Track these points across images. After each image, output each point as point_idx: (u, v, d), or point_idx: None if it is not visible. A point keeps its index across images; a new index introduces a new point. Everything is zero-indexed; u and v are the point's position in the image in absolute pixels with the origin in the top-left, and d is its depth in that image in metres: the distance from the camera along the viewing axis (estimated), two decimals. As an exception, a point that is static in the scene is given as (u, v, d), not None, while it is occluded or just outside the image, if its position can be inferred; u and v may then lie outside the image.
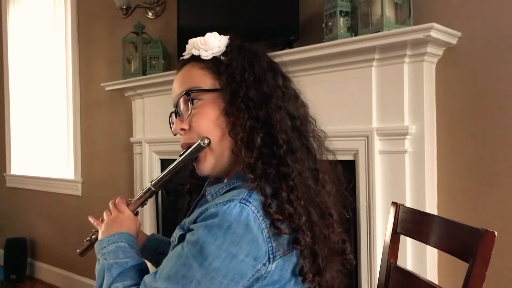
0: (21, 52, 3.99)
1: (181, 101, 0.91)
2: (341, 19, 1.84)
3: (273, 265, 0.79)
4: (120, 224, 0.99)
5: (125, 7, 2.89)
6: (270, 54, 0.97)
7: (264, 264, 0.78)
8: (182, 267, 0.78)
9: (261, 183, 0.80)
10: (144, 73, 2.69)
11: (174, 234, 0.89)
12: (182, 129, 0.92)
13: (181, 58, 0.96)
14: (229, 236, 0.76)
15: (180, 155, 0.93)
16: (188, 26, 2.50)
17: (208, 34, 0.91)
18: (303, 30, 2.07)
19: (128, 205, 1.03)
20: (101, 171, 3.28)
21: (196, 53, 0.91)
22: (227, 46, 0.92)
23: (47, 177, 3.74)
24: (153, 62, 2.62)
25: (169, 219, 2.60)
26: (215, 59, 0.91)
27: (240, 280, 0.77)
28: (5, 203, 4.23)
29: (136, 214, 1.04)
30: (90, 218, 1.12)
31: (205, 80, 0.90)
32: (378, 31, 1.69)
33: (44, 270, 3.77)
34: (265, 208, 0.78)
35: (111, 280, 0.88)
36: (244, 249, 0.76)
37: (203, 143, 0.87)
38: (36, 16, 3.79)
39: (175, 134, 0.95)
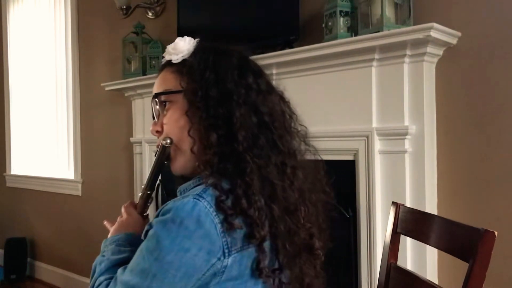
0: (21, 52, 4.00)
1: (153, 104, 0.96)
2: (341, 19, 1.84)
3: (229, 260, 0.79)
4: (127, 225, 1.02)
5: (125, 7, 2.89)
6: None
7: (219, 259, 0.79)
8: (141, 260, 0.81)
9: (215, 179, 0.82)
10: (144, 73, 2.69)
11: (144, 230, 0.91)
12: (157, 131, 0.96)
13: (161, 64, 1.00)
14: (182, 230, 0.78)
15: (155, 155, 0.97)
16: (188, 26, 2.50)
17: (178, 39, 0.95)
18: (303, 30, 2.07)
19: (135, 208, 1.06)
20: (101, 171, 3.28)
21: (168, 58, 0.95)
22: (195, 48, 0.94)
23: (47, 177, 3.74)
24: (153, 62, 2.63)
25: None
26: (183, 61, 0.93)
27: (194, 273, 0.79)
28: (5, 203, 4.23)
29: (146, 216, 1.07)
30: (105, 223, 1.14)
31: (173, 83, 0.93)
32: (378, 31, 1.69)
33: (44, 270, 3.77)
34: (218, 203, 0.80)
35: (98, 275, 0.92)
36: (197, 244, 0.78)
37: (165, 143, 0.92)
38: (36, 16, 3.80)
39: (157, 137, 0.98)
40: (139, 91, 2.71)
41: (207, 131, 0.86)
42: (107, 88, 2.90)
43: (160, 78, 0.97)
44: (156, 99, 0.94)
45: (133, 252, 0.95)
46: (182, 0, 2.54)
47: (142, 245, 0.83)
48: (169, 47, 0.95)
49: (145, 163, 2.72)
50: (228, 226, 0.79)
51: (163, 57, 0.98)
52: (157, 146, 0.96)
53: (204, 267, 0.79)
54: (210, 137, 0.85)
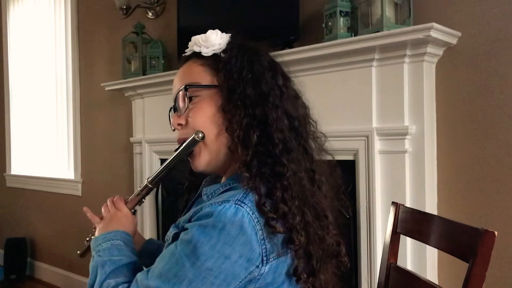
0: (21, 52, 3.99)
1: (180, 96, 0.92)
2: (341, 19, 1.84)
3: (267, 267, 0.79)
4: (118, 222, 1.00)
5: (125, 7, 2.89)
6: (272, 53, 0.97)
7: (257, 266, 0.78)
8: (174, 265, 0.78)
9: (256, 182, 0.80)
10: (144, 73, 2.69)
11: (168, 233, 0.89)
12: (179, 124, 0.93)
13: (183, 55, 0.97)
14: (223, 236, 0.76)
15: (175, 150, 0.93)
16: (188, 26, 2.50)
17: (209, 31, 0.92)
18: (303, 30, 2.07)
19: (126, 203, 1.04)
20: (101, 171, 3.28)
21: (197, 49, 0.92)
22: (228, 44, 0.92)
23: (47, 177, 3.74)
24: (153, 62, 2.62)
25: (169, 219, 2.60)
26: (215, 56, 0.91)
27: (232, 281, 0.77)
28: (5, 203, 4.23)
29: (134, 212, 1.04)
30: (86, 211, 1.12)
31: (204, 76, 0.91)
32: (378, 31, 1.69)
33: (44, 270, 3.77)
34: (259, 206, 0.78)
35: (104, 277, 0.89)
36: (237, 250, 0.76)
37: (197, 137, 0.88)
38: (36, 16, 3.79)
39: (174, 130, 0.95)
40: (139, 91, 2.71)
41: (246, 130, 0.84)
42: (107, 88, 2.90)
43: (186, 69, 0.94)
44: (185, 91, 0.90)
45: (131, 252, 0.94)
46: (182, 0, 2.54)
47: (173, 249, 0.80)
48: (199, 39, 0.92)
49: (145, 163, 2.72)
50: (270, 229, 0.77)
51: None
52: (179, 141, 0.93)
53: (242, 274, 0.77)
54: (250, 136, 0.83)
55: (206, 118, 0.89)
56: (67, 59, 3.50)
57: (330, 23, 1.86)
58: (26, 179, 3.97)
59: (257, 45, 0.94)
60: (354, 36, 1.82)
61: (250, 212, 0.77)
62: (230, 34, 0.94)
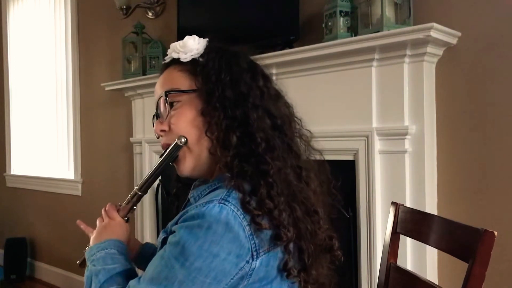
0: (21, 52, 4.00)
1: (161, 102, 0.93)
2: (341, 19, 1.84)
3: (257, 262, 0.79)
4: (111, 231, 1.00)
5: (125, 7, 2.89)
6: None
7: (248, 262, 0.78)
8: (164, 268, 0.79)
9: (238, 181, 0.81)
10: (144, 73, 2.69)
11: (158, 238, 0.90)
12: (162, 130, 0.94)
13: (163, 62, 0.98)
14: (210, 236, 0.76)
15: (160, 156, 0.94)
16: (188, 26, 2.50)
17: (187, 37, 0.93)
18: (303, 30, 2.07)
19: (118, 211, 1.04)
20: (101, 171, 3.28)
21: (175, 56, 0.93)
22: (206, 48, 0.93)
23: (47, 177, 3.74)
24: (153, 62, 2.63)
25: (169, 219, 2.60)
26: (193, 60, 0.92)
27: (223, 278, 0.78)
28: (5, 203, 4.23)
29: (127, 220, 1.05)
30: (79, 224, 1.13)
31: (183, 82, 0.92)
32: (378, 31, 1.69)
33: (44, 270, 3.77)
34: (244, 204, 0.79)
35: (99, 286, 0.89)
36: (225, 248, 0.77)
37: (180, 142, 0.89)
38: (36, 16, 3.80)
39: (158, 137, 0.96)
40: (139, 91, 2.71)
41: (226, 132, 0.85)
42: (107, 88, 2.90)
43: (166, 76, 0.95)
44: (166, 98, 0.91)
45: (125, 260, 0.94)
46: (182, 0, 2.54)
47: (162, 252, 0.81)
48: (177, 45, 0.93)
49: (145, 163, 2.72)
50: (256, 226, 0.78)
51: (167, 54, 0.96)
52: (163, 147, 0.94)
53: (233, 271, 0.78)
54: (230, 138, 0.84)
55: (187, 122, 0.90)
56: (67, 59, 3.50)
57: (330, 23, 1.86)
58: (26, 179, 3.97)
59: (235, 48, 0.95)
60: (354, 36, 1.82)
61: (235, 209, 0.78)
62: (207, 39, 0.95)
